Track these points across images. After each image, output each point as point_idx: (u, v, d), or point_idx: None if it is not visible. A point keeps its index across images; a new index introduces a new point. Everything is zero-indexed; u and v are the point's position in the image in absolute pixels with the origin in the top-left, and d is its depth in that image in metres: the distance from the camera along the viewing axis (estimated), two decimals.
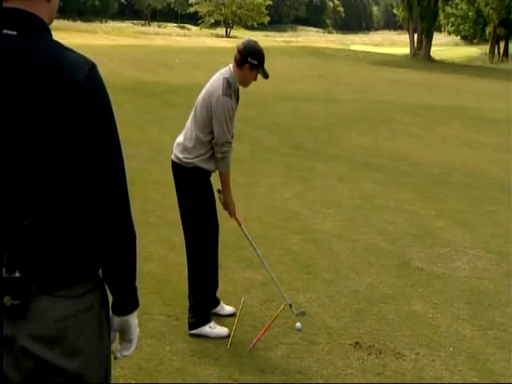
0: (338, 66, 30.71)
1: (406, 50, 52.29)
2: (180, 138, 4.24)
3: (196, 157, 4.10)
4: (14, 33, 1.68)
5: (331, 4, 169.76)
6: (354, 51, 48.03)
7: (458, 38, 79.10)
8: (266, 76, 4.20)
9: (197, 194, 4.20)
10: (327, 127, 13.50)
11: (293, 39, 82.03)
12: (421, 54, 47.83)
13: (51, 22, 1.82)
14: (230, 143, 4.09)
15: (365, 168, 9.84)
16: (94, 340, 1.85)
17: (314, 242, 6.25)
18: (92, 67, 1.75)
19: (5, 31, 1.67)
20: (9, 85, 1.66)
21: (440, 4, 51.54)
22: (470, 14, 61.04)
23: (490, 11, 54.31)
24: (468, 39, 75.89)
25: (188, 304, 4.25)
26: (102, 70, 1.82)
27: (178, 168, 4.19)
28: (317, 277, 5.34)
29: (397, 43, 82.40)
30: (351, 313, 4.68)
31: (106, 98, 1.78)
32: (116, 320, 1.93)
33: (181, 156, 4.15)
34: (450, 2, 55.59)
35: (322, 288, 5.10)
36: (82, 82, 1.70)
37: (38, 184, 1.70)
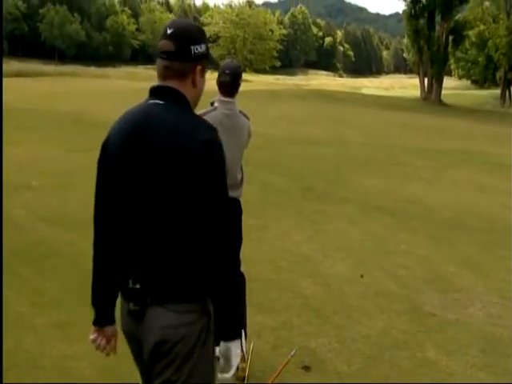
0: (348, 109, 30.90)
1: (417, 94, 52.66)
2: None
3: None
4: (162, 102, 2.27)
5: (341, 48, 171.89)
6: (364, 95, 48.43)
7: (469, 82, 79.79)
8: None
9: None
10: (338, 170, 13.52)
11: (304, 82, 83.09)
12: (431, 97, 48.12)
13: (195, 105, 2.37)
14: None
15: (376, 211, 9.80)
16: (198, 350, 2.25)
17: (326, 285, 6.20)
18: (214, 132, 2.25)
19: (157, 101, 2.29)
20: (149, 141, 2.21)
21: (450, 49, 52.04)
22: (480, 59, 61.64)
23: (500, 56, 54.82)
24: (478, 83, 76.47)
25: None
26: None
27: None
28: (328, 321, 5.28)
29: (407, 87, 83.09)
30: (363, 359, 4.61)
31: (222, 157, 2.24)
32: (221, 345, 2.34)
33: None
34: (460, 47, 56.14)
35: (333, 333, 5.03)
36: (206, 143, 2.18)
37: (163, 220, 2.22)
